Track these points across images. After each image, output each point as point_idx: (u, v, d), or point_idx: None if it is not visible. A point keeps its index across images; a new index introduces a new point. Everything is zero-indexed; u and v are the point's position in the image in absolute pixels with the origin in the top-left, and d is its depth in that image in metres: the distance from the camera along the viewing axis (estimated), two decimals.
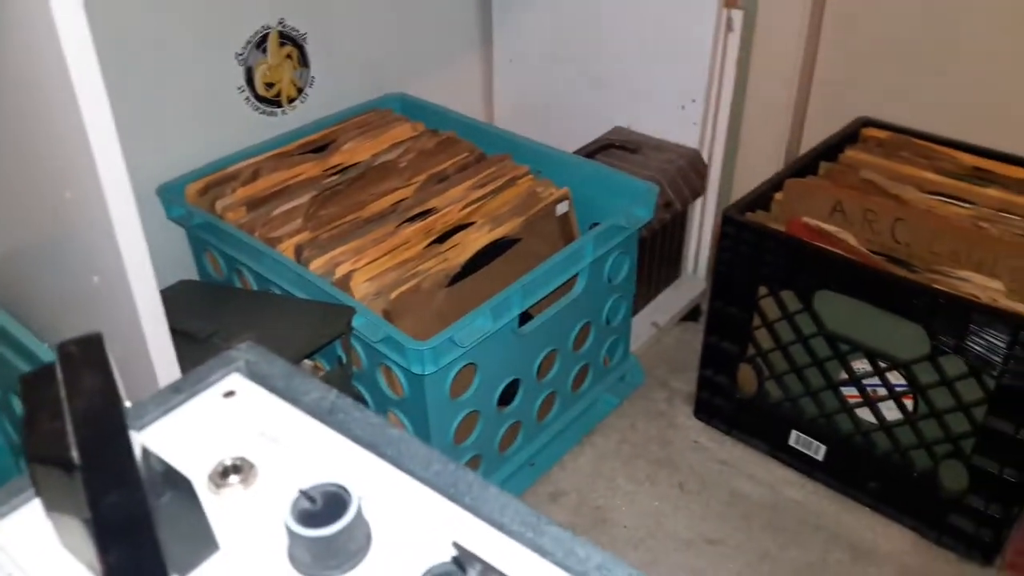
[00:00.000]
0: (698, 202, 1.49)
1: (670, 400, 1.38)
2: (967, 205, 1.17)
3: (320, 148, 1.29)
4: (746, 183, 1.29)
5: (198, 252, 1.22)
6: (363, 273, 1.06)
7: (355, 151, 1.29)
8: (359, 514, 0.32)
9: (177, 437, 0.38)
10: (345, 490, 0.32)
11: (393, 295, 1.02)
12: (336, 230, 1.13)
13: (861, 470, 1.18)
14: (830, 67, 1.46)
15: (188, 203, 1.16)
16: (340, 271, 1.05)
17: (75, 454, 0.28)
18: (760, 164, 1.51)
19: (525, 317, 1.09)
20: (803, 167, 1.27)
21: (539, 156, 1.29)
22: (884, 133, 1.33)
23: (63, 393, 0.30)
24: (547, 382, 1.18)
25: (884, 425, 1.13)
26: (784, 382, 1.21)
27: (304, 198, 1.17)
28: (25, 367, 0.88)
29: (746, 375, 1.26)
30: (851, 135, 1.35)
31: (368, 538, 0.33)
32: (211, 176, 1.20)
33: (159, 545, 0.26)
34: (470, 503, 0.36)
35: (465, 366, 1.01)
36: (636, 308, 1.46)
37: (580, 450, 1.29)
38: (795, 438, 1.24)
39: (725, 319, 1.23)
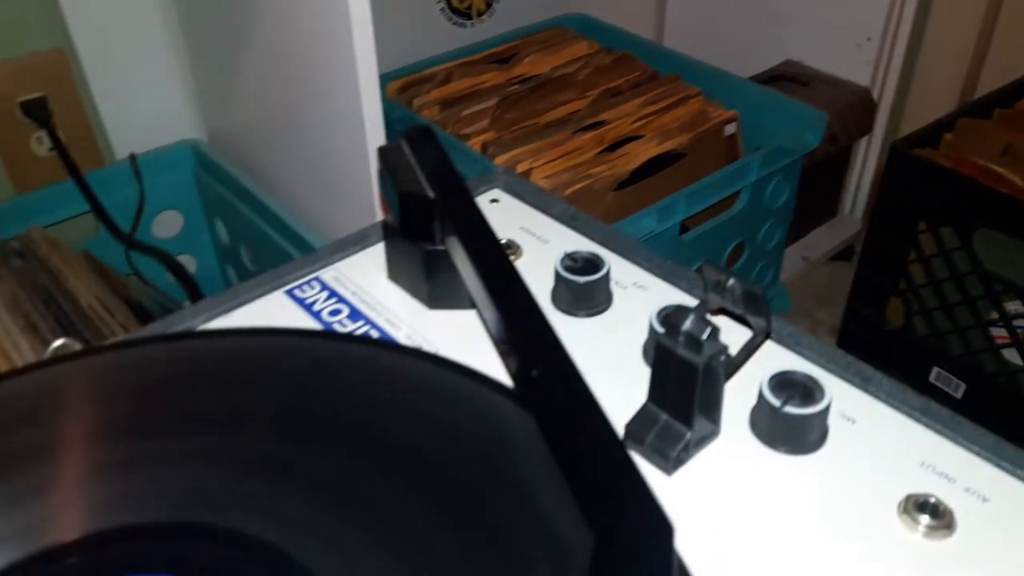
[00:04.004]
0: (862, 142, 1.51)
1: (814, 329, 1.43)
2: None
3: (504, 59, 1.40)
4: (914, 125, 1.30)
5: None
6: (541, 171, 1.16)
7: (536, 64, 1.38)
8: (607, 273, 0.42)
9: None
10: (597, 256, 0.42)
11: (568, 192, 1.12)
12: (518, 132, 1.24)
13: (999, 411, 1.21)
14: (1018, 13, 1.43)
15: (389, 98, 1.30)
16: (521, 167, 1.16)
17: (430, 192, 0.39)
18: (931, 108, 1.50)
19: (683, 230, 1.16)
20: (976, 111, 1.27)
21: (710, 79, 1.34)
22: None
23: (413, 160, 0.41)
24: None
25: None
26: (932, 318, 1.24)
27: (490, 102, 1.27)
28: (262, 224, 1.04)
29: (895, 308, 1.29)
30: None
31: (609, 296, 0.43)
32: (409, 76, 1.32)
33: (501, 245, 0.37)
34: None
35: None
36: (789, 240, 1.50)
37: None
38: (936, 375, 1.27)
39: (881, 252, 1.27)
